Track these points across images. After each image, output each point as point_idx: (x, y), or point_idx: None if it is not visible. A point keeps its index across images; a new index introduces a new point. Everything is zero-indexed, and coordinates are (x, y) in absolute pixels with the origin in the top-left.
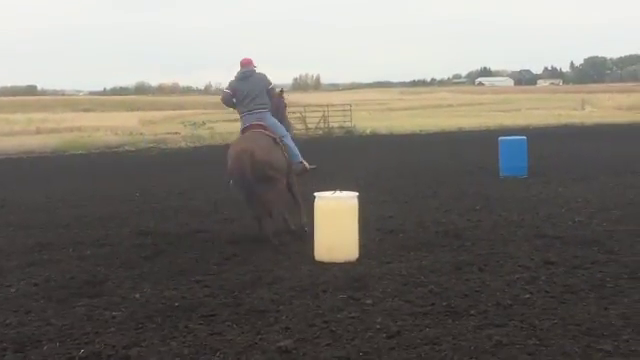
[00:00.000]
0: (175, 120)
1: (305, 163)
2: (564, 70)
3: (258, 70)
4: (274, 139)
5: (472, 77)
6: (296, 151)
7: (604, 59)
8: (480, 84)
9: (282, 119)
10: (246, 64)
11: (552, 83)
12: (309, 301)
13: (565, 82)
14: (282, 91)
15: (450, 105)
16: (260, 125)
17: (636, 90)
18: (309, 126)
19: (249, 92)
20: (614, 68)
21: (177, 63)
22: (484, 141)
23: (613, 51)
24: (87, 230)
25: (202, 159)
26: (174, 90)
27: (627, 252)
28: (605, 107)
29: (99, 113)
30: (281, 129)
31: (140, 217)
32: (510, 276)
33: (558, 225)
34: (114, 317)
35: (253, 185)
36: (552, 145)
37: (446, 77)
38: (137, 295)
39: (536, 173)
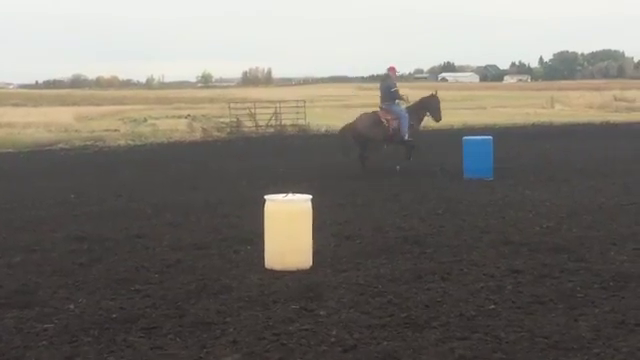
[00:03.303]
0: (114, 116)
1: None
2: (532, 66)
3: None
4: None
5: (435, 72)
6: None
7: (575, 54)
8: (443, 80)
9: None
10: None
11: (520, 79)
12: (258, 312)
13: (534, 78)
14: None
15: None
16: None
17: (608, 87)
18: (259, 123)
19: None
20: (585, 64)
21: (117, 55)
22: (447, 141)
23: (584, 46)
24: (17, 235)
25: (143, 158)
26: (113, 83)
27: (598, 260)
28: (575, 105)
29: (30, 108)
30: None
31: (75, 221)
32: (474, 285)
33: (525, 231)
34: (46, 330)
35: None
36: (519, 145)
37: (407, 72)
38: (71, 306)
39: (502, 175)
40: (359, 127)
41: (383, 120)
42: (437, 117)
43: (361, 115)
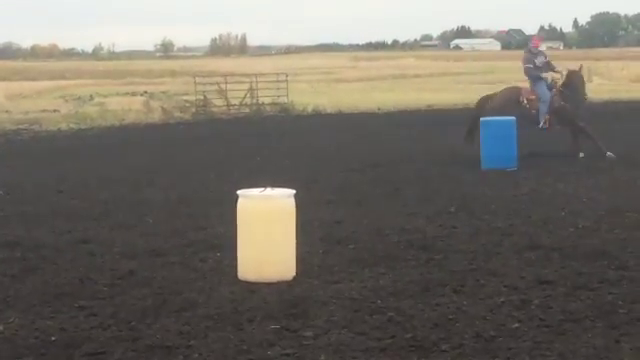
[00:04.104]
0: (53, 93)
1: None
2: (565, 30)
3: None
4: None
5: (446, 39)
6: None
7: (617, 16)
8: (457, 48)
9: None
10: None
11: (550, 47)
12: (230, 333)
13: (567, 46)
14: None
15: (417, 75)
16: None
17: None
18: (232, 102)
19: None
20: (630, 28)
21: (56, 18)
22: (462, 123)
23: (628, 6)
24: None
25: (89, 145)
26: (52, 53)
27: None
28: (618, 78)
29: None
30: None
31: (6, 223)
32: (493, 299)
33: (556, 232)
34: None
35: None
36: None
37: (412, 39)
38: (0, 327)
39: (529, 165)
40: (493, 103)
41: (523, 99)
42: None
43: (503, 90)
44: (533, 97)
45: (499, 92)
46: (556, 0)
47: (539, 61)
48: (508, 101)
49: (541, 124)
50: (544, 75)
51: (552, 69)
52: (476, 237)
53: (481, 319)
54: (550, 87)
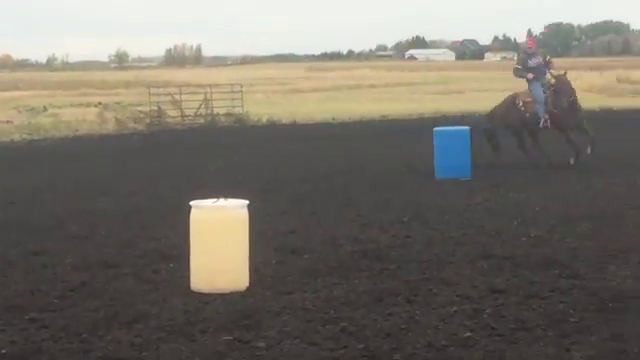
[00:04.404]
0: (6, 104)
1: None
2: (520, 40)
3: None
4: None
5: (401, 49)
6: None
7: (570, 27)
8: (411, 58)
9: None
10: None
11: (504, 57)
12: (182, 345)
13: None
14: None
15: (372, 85)
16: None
17: (610, 66)
18: (186, 113)
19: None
20: (583, 38)
21: (9, 28)
22: (416, 133)
23: (582, 17)
24: None
25: (42, 156)
26: (6, 64)
27: (596, 277)
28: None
29: None
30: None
31: None
32: (446, 309)
33: (509, 242)
34: None
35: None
36: (503, 138)
37: (367, 49)
38: None
39: (482, 175)
40: (499, 112)
41: (519, 102)
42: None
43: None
44: (529, 100)
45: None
46: (510, 11)
47: (534, 62)
48: (508, 107)
49: (541, 124)
50: (547, 75)
51: (550, 69)
52: (429, 247)
53: (433, 328)
54: (545, 88)
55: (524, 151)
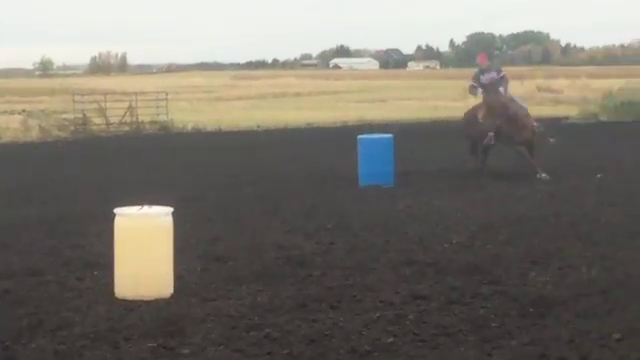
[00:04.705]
0: None
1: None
2: (442, 50)
3: None
4: None
5: (326, 58)
6: None
7: (492, 36)
8: (336, 67)
9: None
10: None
11: (427, 66)
12: (107, 352)
13: (443, 65)
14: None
15: (297, 94)
16: None
17: (530, 75)
18: (111, 120)
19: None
20: (504, 47)
21: None
22: (340, 140)
23: (503, 27)
24: None
25: None
26: None
27: (517, 282)
28: None
29: None
30: None
31: None
32: (369, 315)
33: (431, 248)
34: None
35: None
36: (427, 146)
37: (292, 58)
38: None
39: (405, 182)
40: (464, 123)
41: (479, 115)
42: None
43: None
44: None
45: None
46: (433, 20)
47: (486, 78)
48: (470, 120)
49: (485, 141)
50: (501, 89)
51: (505, 85)
52: (353, 253)
53: (357, 334)
54: None
55: (473, 157)
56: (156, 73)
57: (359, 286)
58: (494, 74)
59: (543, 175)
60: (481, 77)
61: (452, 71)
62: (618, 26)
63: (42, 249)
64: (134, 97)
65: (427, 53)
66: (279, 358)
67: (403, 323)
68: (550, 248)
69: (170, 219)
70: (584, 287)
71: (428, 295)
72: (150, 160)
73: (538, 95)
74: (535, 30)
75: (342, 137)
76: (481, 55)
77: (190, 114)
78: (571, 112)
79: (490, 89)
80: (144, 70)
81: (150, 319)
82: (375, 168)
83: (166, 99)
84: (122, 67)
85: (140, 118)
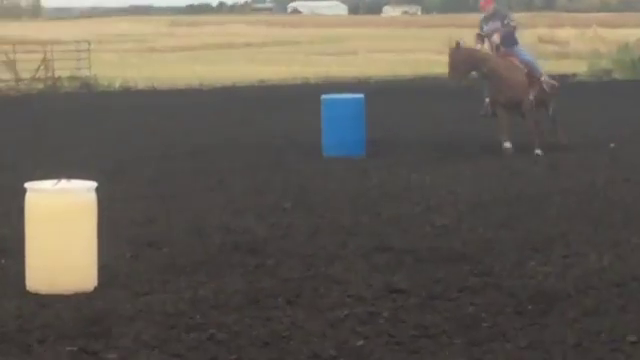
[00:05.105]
0: None
1: None
2: None
3: None
4: None
5: (282, 1)
6: None
7: None
8: (295, 12)
9: None
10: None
11: (406, 12)
12: (16, 357)
13: (426, 10)
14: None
15: (248, 44)
16: None
17: (531, 24)
18: (22, 76)
19: None
20: None
21: None
22: (299, 102)
23: None
24: None
25: None
26: None
27: (512, 273)
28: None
29: None
30: None
31: None
32: (335, 312)
33: (410, 232)
34: None
35: None
36: (404, 109)
37: (243, 1)
38: None
39: (379, 152)
40: None
41: None
42: None
43: None
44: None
45: None
46: None
47: (489, 28)
48: None
49: (482, 112)
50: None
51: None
52: (315, 238)
53: (320, 336)
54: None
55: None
56: (76, 18)
57: (322, 277)
58: (498, 23)
59: (539, 151)
60: (484, 27)
61: (436, 18)
62: None
63: None
64: (49, 47)
65: None
66: None
67: (376, 322)
68: (553, 232)
69: (94, 196)
70: (593, 279)
71: (406, 289)
72: (69, 124)
73: (540, 47)
74: None
75: (303, 97)
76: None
77: (117, 69)
78: (579, 68)
79: (503, 41)
80: (62, 14)
81: (69, 317)
82: (343, 135)
83: (88, 50)
84: (35, 10)
85: (57, 73)
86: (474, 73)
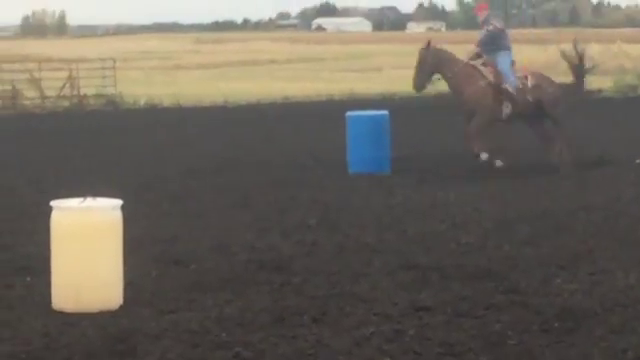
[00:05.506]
0: None
1: None
2: (448, 8)
3: None
4: None
5: (307, 18)
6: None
7: None
8: (320, 28)
9: None
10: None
11: (430, 28)
12: None
13: (450, 27)
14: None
15: (273, 61)
16: None
17: (555, 39)
18: (47, 93)
19: None
20: (524, 6)
21: None
22: (324, 118)
23: None
24: None
25: None
26: None
27: (538, 290)
28: None
29: None
30: None
31: None
32: (361, 330)
33: (435, 249)
34: None
35: None
36: (429, 125)
37: (267, 17)
38: None
39: (404, 169)
40: None
41: None
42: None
43: None
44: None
45: None
46: None
47: (480, 34)
48: None
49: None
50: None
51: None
52: (340, 256)
53: (346, 354)
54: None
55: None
56: (101, 36)
57: (348, 295)
58: (485, 30)
59: (484, 156)
60: (480, 34)
61: (460, 34)
62: None
63: None
64: (75, 65)
65: (430, 12)
66: None
67: (402, 340)
68: (579, 249)
69: (119, 214)
70: (620, 297)
71: (431, 306)
72: (95, 142)
73: (564, 63)
74: None
75: (327, 114)
76: (479, 4)
77: (143, 86)
78: (604, 84)
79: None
80: (87, 32)
81: (95, 336)
82: (367, 152)
83: (114, 68)
84: (60, 28)
85: (82, 91)
86: (438, 76)
